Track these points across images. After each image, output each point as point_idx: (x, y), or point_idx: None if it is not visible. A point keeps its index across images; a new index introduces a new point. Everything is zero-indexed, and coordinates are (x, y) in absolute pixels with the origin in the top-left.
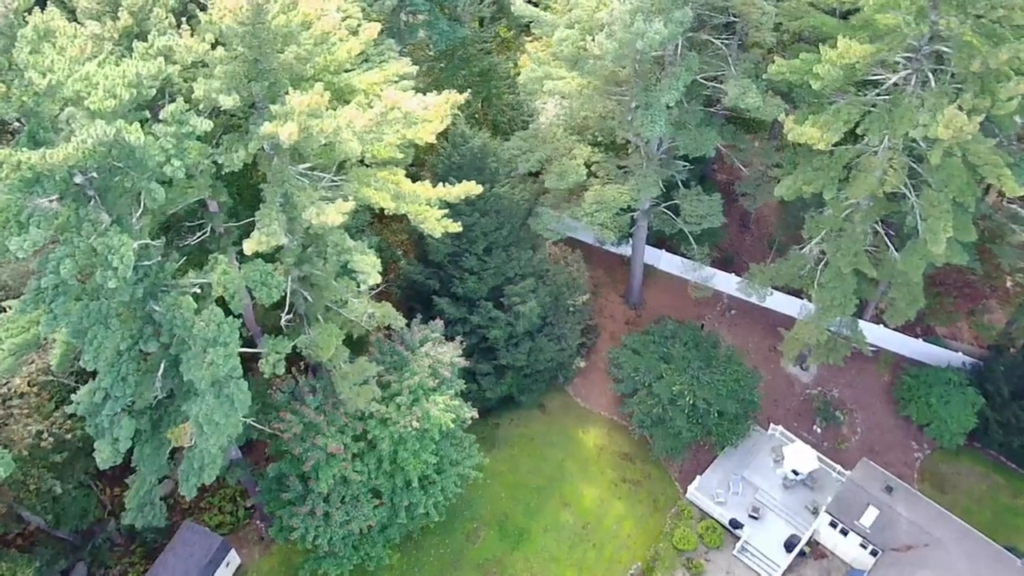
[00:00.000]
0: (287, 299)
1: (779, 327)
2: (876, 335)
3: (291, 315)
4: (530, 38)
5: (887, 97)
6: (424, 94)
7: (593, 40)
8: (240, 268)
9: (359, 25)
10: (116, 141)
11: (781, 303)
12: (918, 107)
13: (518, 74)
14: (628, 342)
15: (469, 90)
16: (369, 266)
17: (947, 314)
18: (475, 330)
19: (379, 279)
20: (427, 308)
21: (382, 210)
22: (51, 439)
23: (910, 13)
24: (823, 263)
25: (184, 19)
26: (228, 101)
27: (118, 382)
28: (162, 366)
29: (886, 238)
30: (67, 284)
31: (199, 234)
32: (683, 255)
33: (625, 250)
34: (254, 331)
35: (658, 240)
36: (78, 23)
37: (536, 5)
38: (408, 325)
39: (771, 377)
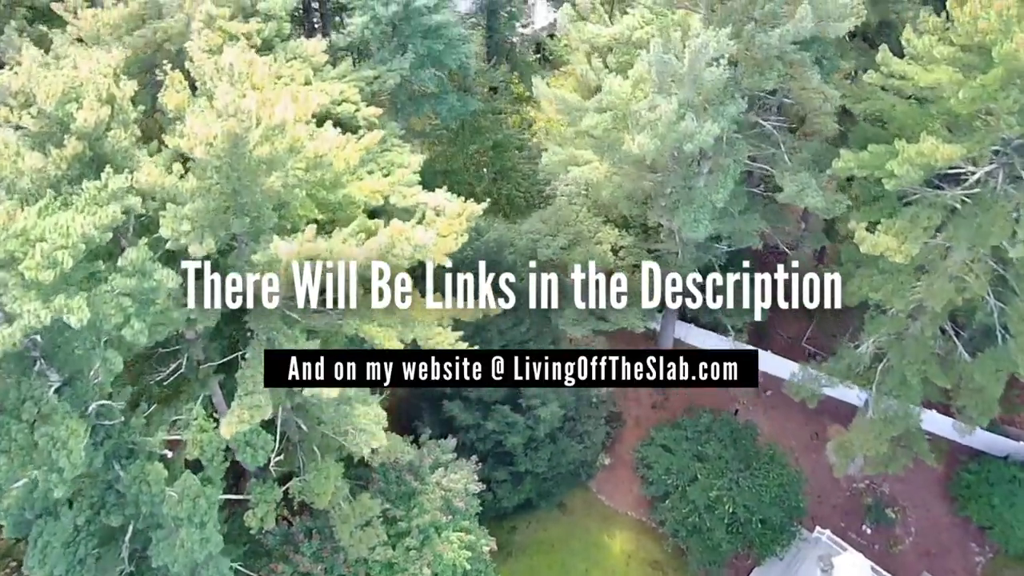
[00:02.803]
0: (277, 428)
1: (824, 416)
2: (927, 419)
3: (282, 455)
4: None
5: (974, 192)
6: (435, 181)
7: (632, 139)
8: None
9: (357, 110)
10: (55, 324)
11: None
12: (1012, 214)
13: (533, 135)
14: (658, 438)
15: (481, 160)
16: (372, 422)
17: (1011, 404)
18: (490, 435)
19: (384, 440)
20: (435, 410)
21: None
22: None
23: (1011, 112)
24: (883, 364)
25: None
26: (200, 250)
27: (75, 567)
28: (130, 530)
29: (955, 337)
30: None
31: (174, 365)
32: (714, 330)
33: (651, 323)
34: None
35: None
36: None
37: (548, 58)
38: (416, 442)
39: (813, 469)
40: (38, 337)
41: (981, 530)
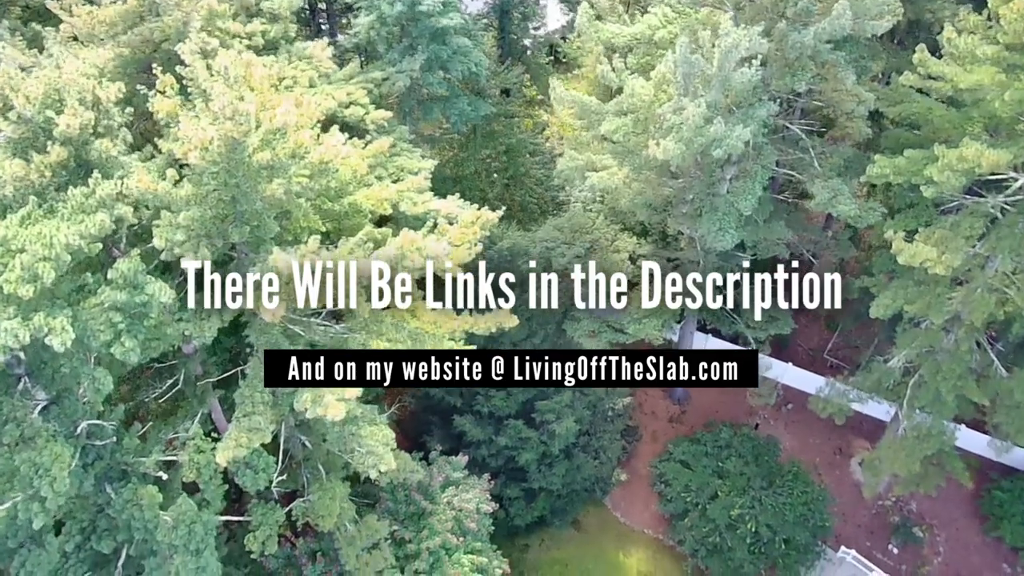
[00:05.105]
0: (280, 445)
1: (848, 431)
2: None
3: (284, 475)
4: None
5: (1017, 199)
6: (445, 187)
7: (656, 143)
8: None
9: (366, 113)
10: (37, 342)
11: None
12: None
13: (547, 139)
14: (676, 453)
15: (494, 165)
16: (380, 443)
17: None
18: (502, 451)
19: (393, 464)
20: (446, 424)
21: None
22: None
23: None
24: (915, 378)
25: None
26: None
27: None
28: (122, 557)
29: (991, 352)
30: None
31: (171, 381)
32: (734, 341)
33: (668, 334)
34: None
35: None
36: None
37: (561, 60)
38: (426, 458)
39: (837, 485)
40: (21, 354)
41: (1014, 551)
